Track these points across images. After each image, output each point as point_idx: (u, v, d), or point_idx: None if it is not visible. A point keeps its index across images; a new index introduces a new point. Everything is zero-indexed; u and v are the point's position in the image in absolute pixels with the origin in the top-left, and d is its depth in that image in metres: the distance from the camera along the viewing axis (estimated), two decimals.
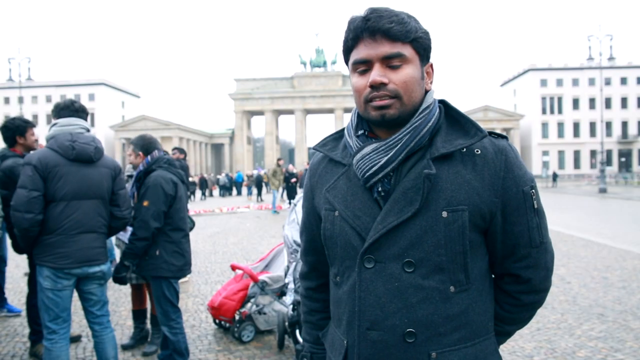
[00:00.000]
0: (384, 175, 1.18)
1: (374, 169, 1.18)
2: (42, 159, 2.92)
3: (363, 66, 1.19)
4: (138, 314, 4.44)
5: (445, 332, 1.15)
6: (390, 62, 1.16)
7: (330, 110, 69.87)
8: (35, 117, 66.60)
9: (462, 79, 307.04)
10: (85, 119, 3.19)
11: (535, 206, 1.22)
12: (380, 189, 1.20)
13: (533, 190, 1.22)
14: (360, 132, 1.26)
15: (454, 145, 1.18)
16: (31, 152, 3.63)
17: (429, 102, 1.22)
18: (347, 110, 67.21)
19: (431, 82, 1.26)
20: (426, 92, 1.24)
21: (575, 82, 67.37)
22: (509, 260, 1.24)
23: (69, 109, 3.11)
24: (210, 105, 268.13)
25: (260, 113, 71.43)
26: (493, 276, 1.30)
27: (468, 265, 1.17)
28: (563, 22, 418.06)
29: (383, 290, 1.16)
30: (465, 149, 1.19)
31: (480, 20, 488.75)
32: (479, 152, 1.19)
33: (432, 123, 1.20)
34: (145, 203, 3.47)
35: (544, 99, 67.82)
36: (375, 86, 1.15)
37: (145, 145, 3.79)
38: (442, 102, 1.29)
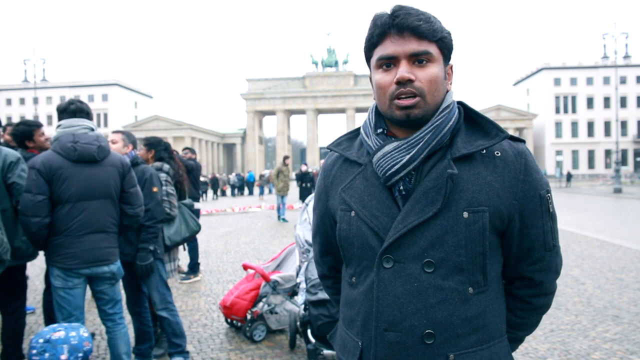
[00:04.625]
0: (406, 174, 1.18)
1: (396, 167, 1.17)
2: (45, 162, 2.92)
3: (388, 62, 1.18)
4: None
5: (463, 333, 1.15)
6: (416, 59, 1.16)
7: (342, 110, 69.83)
8: (49, 117, 67.38)
9: (474, 78, 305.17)
10: (88, 118, 3.14)
11: (550, 210, 1.23)
12: (401, 187, 1.19)
13: (549, 195, 1.22)
14: (379, 131, 1.25)
15: (475, 145, 1.18)
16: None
17: (449, 102, 1.22)
18: (358, 110, 67.15)
19: (451, 83, 1.26)
20: (446, 92, 1.24)
21: (589, 81, 66.55)
22: (523, 264, 1.24)
23: (67, 111, 3.08)
24: (222, 105, 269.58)
25: (271, 113, 71.57)
26: (503, 282, 1.30)
27: (487, 266, 1.17)
28: (577, 20, 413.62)
29: (402, 291, 1.15)
30: (485, 151, 1.19)
31: (492, 19, 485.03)
32: (499, 154, 1.19)
33: (453, 122, 1.20)
34: (155, 189, 3.72)
35: (557, 98, 67.11)
36: (402, 82, 1.15)
37: (135, 140, 3.99)
38: (460, 104, 1.28)
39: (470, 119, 1.25)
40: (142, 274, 3.57)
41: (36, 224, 2.85)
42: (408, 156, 1.17)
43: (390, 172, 1.18)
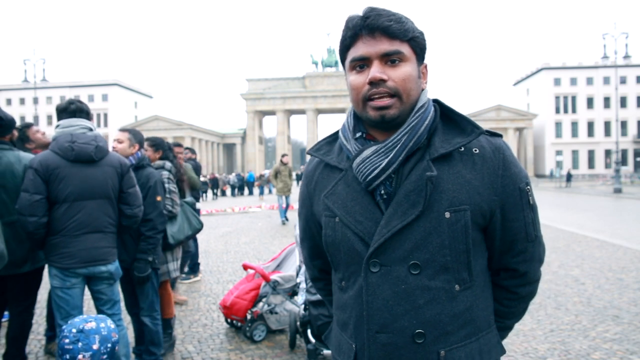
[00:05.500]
0: (386, 177, 1.19)
1: (376, 172, 1.18)
2: (43, 161, 2.93)
3: (361, 63, 1.19)
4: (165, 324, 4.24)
5: (452, 330, 1.17)
6: (388, 59, 1.17)
7: (342, 110, 69.81)
8: (49, 117, 67.46)
9: (474, 78, 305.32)
10: (87, 118, 3.15)
11: (531, 202, 1.25)
12: (382, 191, 1.20)
13: (528, 187, 1.24)
14: (358, 135, 1.25)
15: (452, 144, 1.19)
16: (45, 150, 3.65)
17: (424, 101, 1.23)
18: None
19: (426, 83, 1.27)
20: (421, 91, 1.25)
21: (589, 81, 66.53)
22: (507, 256, 1.27)
23: (66, 111, 3.10)
24: (222, 105, 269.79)
25: (272, 113, 71.58)
26: (489, 273, 1.32)
27: (471, 263, 1.19)
28: (577, 20, 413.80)
29: (390, 294, 1.16)
30: (463, 148, 1.20)
31: (493, 19, 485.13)
32: (477, 151, 1.21)
33: (429, 122, 1.21)
34: (159, 198, 3.60)
35: (557, 98, 67.09)
36: (375, 83, 1.16)
37: (142, 139, 3.89)
38: (436, 102, 1.29)
39: (447, 116, 1.26)
40: (138, 284, 3.54)
41: (33, 223, 2.86)
42: (386, 160, 1.17)
43: (370, 177, 1.19)
